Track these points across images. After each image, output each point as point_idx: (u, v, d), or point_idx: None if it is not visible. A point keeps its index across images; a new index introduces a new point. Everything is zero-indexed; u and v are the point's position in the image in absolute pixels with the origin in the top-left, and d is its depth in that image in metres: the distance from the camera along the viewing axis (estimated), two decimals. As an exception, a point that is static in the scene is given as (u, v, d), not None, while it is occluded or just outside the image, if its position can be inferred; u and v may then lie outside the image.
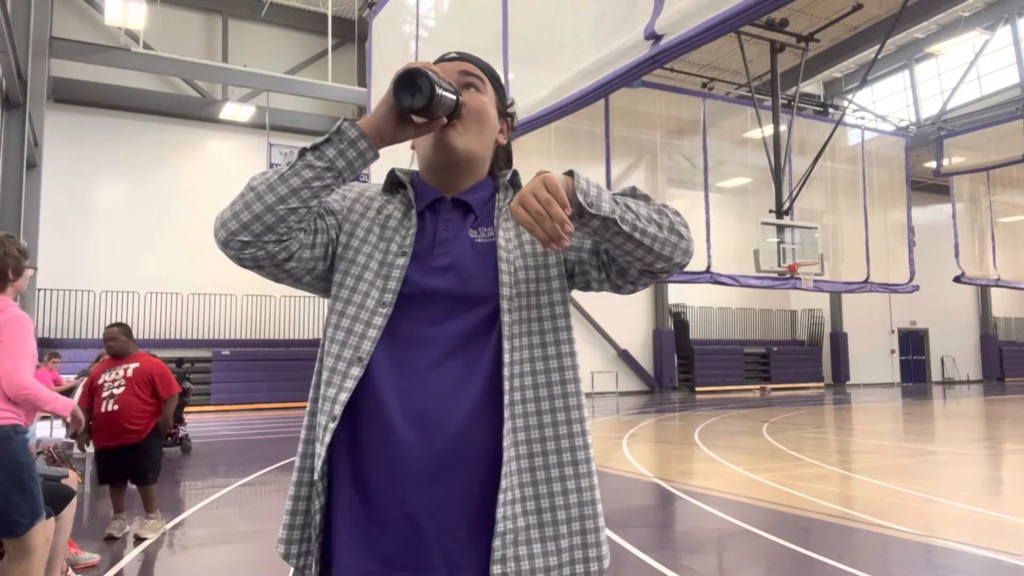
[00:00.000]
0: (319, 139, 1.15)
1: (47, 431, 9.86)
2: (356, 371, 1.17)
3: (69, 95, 16.66)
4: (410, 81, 1.12)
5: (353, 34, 19.72)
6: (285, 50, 19.75)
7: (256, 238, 1.13)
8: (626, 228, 1.13)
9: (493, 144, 1.33)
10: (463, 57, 1.31)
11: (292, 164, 1.14)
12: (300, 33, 19.96)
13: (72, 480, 3.67)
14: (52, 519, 3.17)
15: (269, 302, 18.46)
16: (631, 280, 1.25)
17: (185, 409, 9.75)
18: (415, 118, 1.18)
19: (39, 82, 13.50)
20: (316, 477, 1.16)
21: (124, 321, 6.50)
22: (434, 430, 1.13)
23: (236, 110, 18.12)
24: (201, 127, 18.49)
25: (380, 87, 11.39)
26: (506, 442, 1.14)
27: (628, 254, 1.18)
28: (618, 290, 1.29)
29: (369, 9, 12.86)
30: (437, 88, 1.13)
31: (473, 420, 1.15)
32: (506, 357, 1.17)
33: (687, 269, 10.85)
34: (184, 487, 6.88)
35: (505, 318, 1.18)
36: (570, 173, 1.12)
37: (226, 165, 18.32)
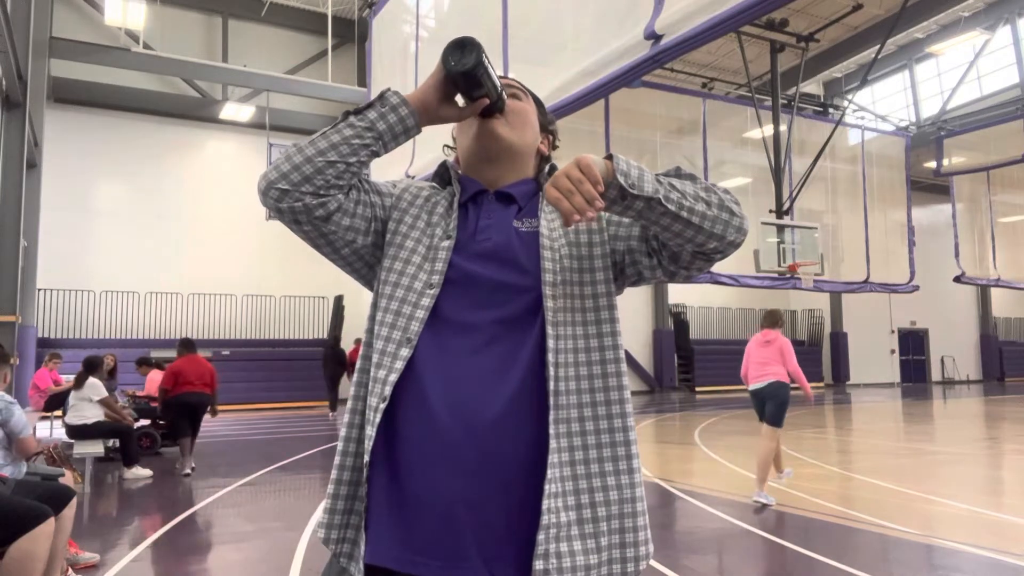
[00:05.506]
0: (362, 104, 1.19)
1: (47, 431, 9.86)
2: (405, 352, 1.16)
3: (69, 95, 16.63)
4: (460, 47, 1.15)
5: (353, 34, 19.70)
6: (285, 50, 19.72)
7: (293, 187, 1.15)
8: (672, 207, 1.10)
9: (536, 149, 1.35)
10: (505, 76, 1.36)
11: (335, 124, 1.19)
12: (300, 33, 19.93)
13: (70, 480, 3.66)
14: (52, 519, 3.17)
15: (269, 302, 18.43)
16: (684, 265, 1.22)
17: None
18: (460, 100, 1.21)
19: (39, 82, 13.48)
20: (366, 460, 1.14)
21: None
22: (473, 416, 1.11)
23: (236, 110, 18.10)
24: (201, 127, 18.46)
25: (380, 87, 11.38)
26: (552, 431, 1.11)
27: (678, 235, 1.15)
28: (671, 277, 1.27)
29: (369, 9, 12.86)
30: (485, 57, 1.15)
31: (513, 408, 1.12)
32: (550, 343, 1.14)
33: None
34: (184, 487, 6.88)
35: (549, 304, 1.16)
36: (609, 157, 1.10)
37: (226, 165, 18.29)
